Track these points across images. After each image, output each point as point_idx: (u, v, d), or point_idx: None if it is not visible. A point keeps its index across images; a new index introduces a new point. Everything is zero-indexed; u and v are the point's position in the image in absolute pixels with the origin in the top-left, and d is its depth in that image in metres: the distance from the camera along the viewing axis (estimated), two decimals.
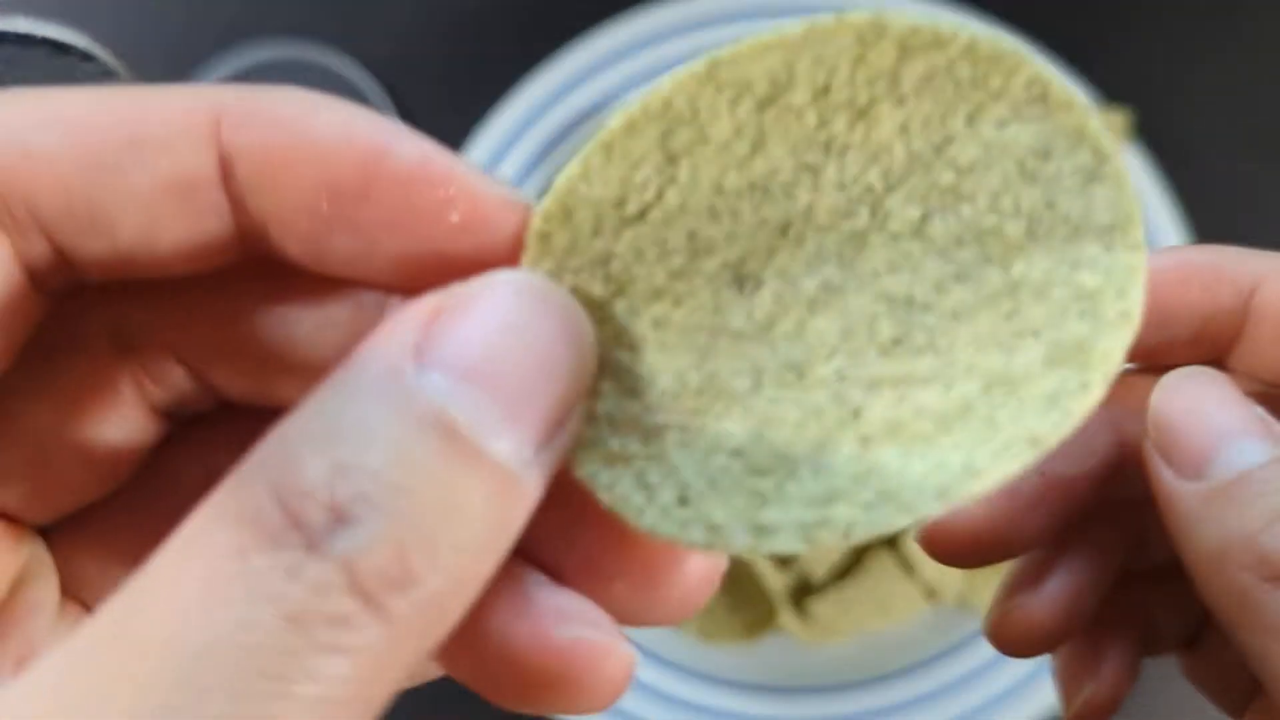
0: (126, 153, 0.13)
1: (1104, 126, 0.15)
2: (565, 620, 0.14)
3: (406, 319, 0.13)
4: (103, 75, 0.29)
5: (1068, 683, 0.23)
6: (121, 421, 0.16)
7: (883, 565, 0.48)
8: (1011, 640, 0.21)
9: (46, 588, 0.15)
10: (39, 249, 0.14)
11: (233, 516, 0.11)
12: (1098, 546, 0.21)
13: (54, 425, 0.15)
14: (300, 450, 0.12)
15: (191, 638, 0.10)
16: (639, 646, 0.48)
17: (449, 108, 0.52)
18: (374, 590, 0.11)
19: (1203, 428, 0.18)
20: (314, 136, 0.14)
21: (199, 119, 0.14)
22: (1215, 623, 0.19)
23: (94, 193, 0.13)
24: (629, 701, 0.46)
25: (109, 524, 0.16)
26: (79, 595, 0.16)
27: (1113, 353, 0.14)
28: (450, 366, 0.12)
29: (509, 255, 0.14)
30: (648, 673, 0.48)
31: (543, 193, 0.15)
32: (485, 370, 0.12)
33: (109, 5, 0.53)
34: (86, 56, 0.29)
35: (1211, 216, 0.50)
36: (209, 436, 0.17)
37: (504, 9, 0.52)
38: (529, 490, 0.13)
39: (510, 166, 0.50)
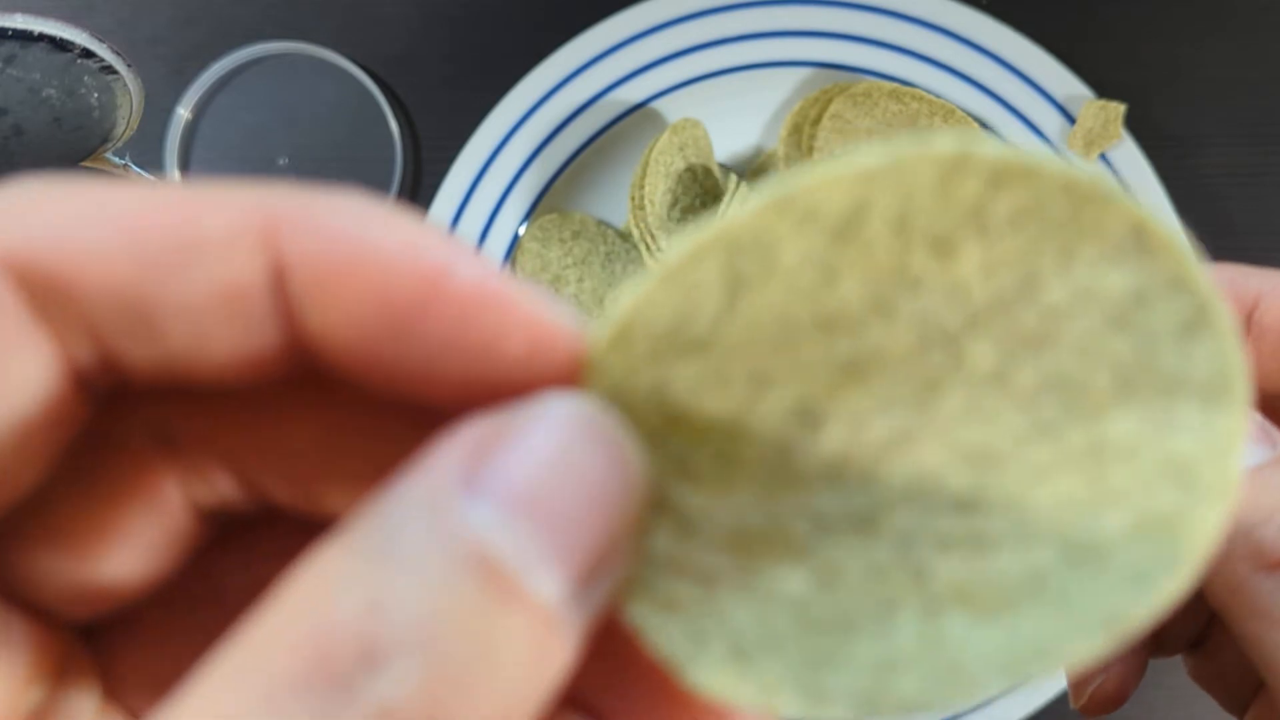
0: (179, 255, 0.13)
1: (1207, 274, 0.13)
2: None
3: (455, 445, 0.12)
4: (102, 70, 0.29)
5: (1077, 676, 0.24)
6: (163, 522, 0.15)
7: None
8: (1098, 710, 0.24)
9: (88, 690, 0.15)
10: (87, 351, 0.13)
11: (263, 656, 0.11)
12: None
13: (94, 525, 0.15)
14: (335, 585, 0.11)
15: None
16: None
17: (449, 108, 0.52)
18: None
19: None
20: (374, 251, 0.13)
21: (254, 223, 0.13)
22: (1219, 621, 0.20)
23: (145, 294, 0.13)
24: None
25: (153, 627, 0.16)
26: (123, 699, 0.15)
27: (1208, 527, 0.13)
28: (498, 498, 0.12)
29: (565, 377, 0.14)
30: None
31: (603, 313, 0.14)
32: (532, 503, 0.12)
33: (109, 2, 0.53)
34: (86, 53, 0.29)
35: (1207, 208, 0.50)
36: (255, 542, 0.16)
37: (504, 8, 0.52)
38: (571, 632, 0.12)
39: (509, 165, 0.50)
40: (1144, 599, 0.12)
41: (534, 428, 0.12)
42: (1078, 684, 0.25)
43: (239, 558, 0.16)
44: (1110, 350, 0.13)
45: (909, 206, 0.13)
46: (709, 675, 0.13)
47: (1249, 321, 0.20)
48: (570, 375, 0.14)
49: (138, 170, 0.33)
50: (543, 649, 0.12)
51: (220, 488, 0.15)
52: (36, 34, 0.28)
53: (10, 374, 0.12)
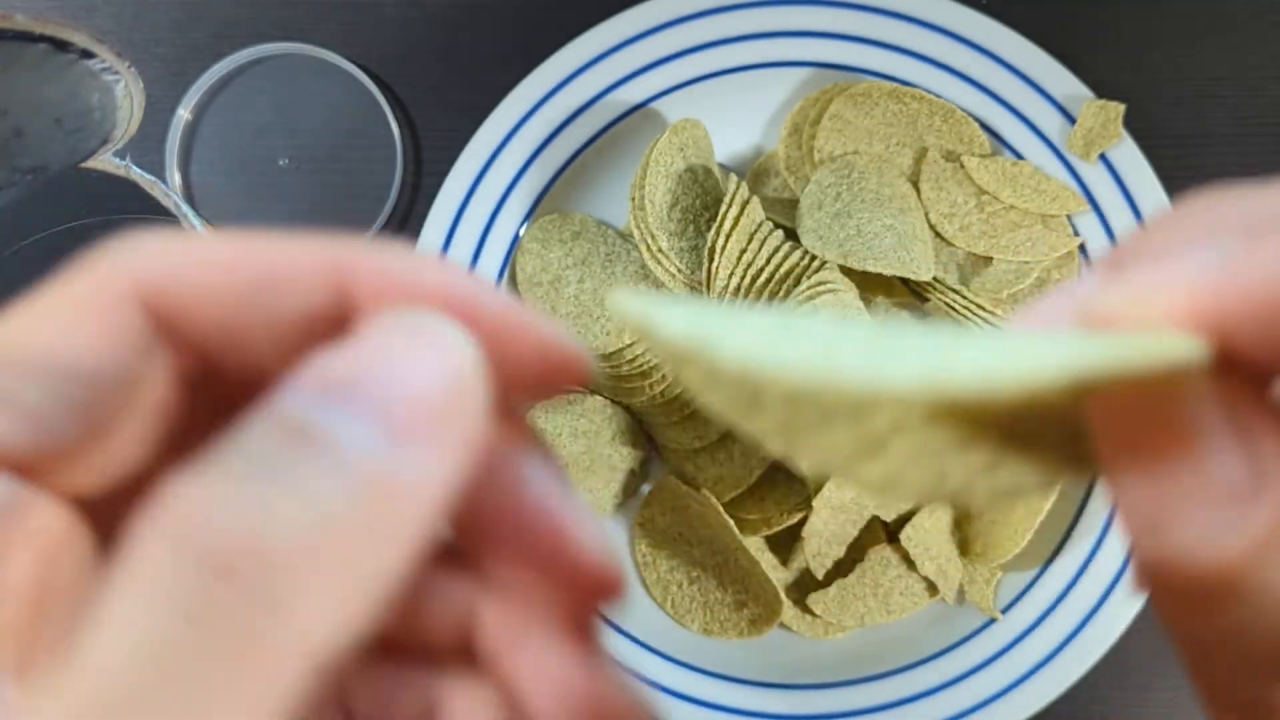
0: (267, 291, 0.16)
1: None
2: None
3: (302, 373, 0.14)
4: (103, 71, 0.29)
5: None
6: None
7: (884, 561, 0.48)
8: None
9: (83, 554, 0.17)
10: (193, 362, 0.16)
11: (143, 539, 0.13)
12: None
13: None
14: (196, 469, 0.13)
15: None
16: (641, 643, 0.48)
17: (449, 108, 0.52)
18: None
19: None
20: (417, 285, 0.16)
21: (325, 264, 0.16)
22: None
23: (242, 321, 0.16)
24: None
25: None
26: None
27: None
28: (341, 400, 0.14)
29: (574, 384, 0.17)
30: (651, 666, 0.48)
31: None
32: (376, 401, 0.14)
33: (109, 3, 0.53)
34: (87, 54, 0.29)
35: None
36: None
37: (504, 9, 0.53)
38: (405, 487, 0.13)
39: (509, 165, 0.50)
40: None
41: (375, 343, 0.14)
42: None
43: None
44: None
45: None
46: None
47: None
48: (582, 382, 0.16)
49: (139, 171, 0.33)
50: (370, 500, 0.13)
51: None
52: (37, 35, 0.28)
53: (131, 378, 0.15)
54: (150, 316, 0.16)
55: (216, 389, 0.17)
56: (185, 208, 0.33)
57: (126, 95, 0.31)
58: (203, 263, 0.16)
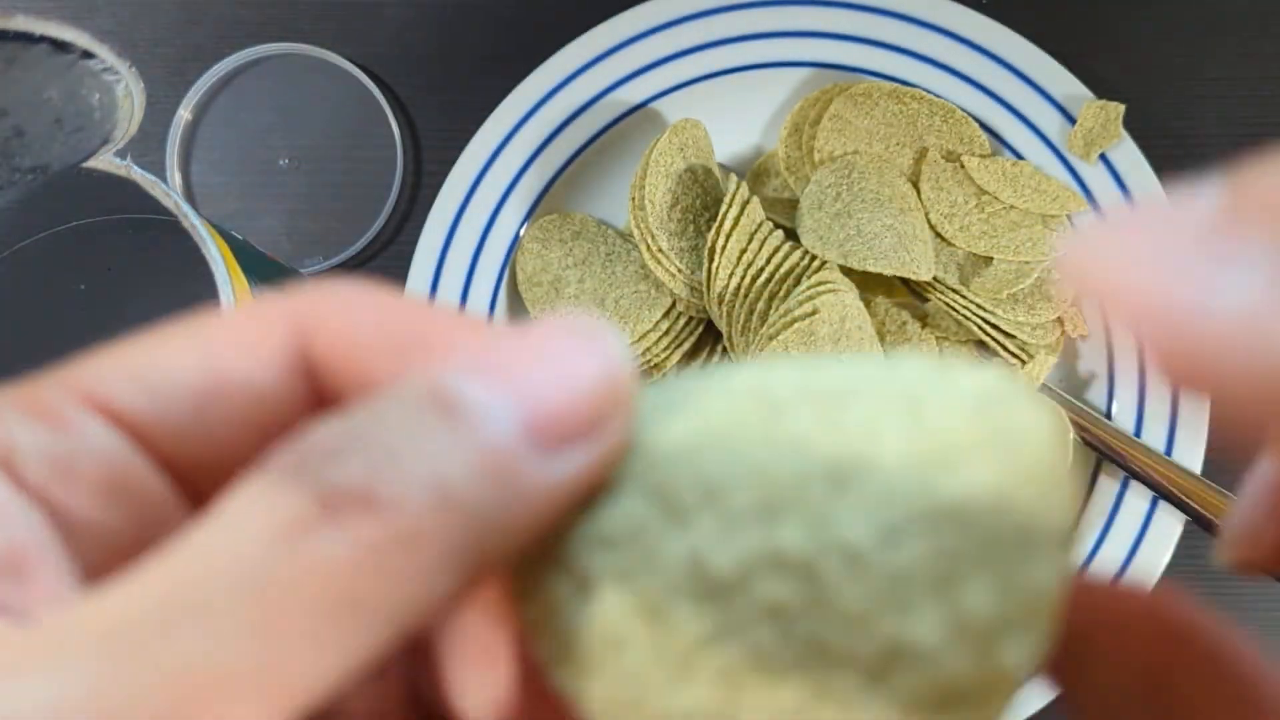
0: (214, 404, 0.15)
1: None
2: None
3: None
4: (103, 72, 0.29)
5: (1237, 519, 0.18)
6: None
7: None
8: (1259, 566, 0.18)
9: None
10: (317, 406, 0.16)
11: (268, 464, 0.13)
12: None
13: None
14: (331, 417, 0.13)
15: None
16: None
17: (449, 108, 0.52)
18: (338, 504, 0.12)
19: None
20: (381, 329, 0.15)
21: (277, 343, 0.15)
22: None
23: (199, 430, 0.15)
24: None
25: None
26: None
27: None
28: (483, 373, 0.13)
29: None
30: None
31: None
32: (497, 365, 0.13)
33: (109, 3, 0.53)
34: (87, 54, 0.29)
35: None
36: None
37: (504, 9, 0.53)
38: (527, 483, 0.13)
39: (510, 165, 0.50)
40: None
41: (525, 330, 0.14)
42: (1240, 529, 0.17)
43: None
44: None
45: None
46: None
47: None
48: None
49: (139, 171, 0.33)
50: (492, 479, 0.13)
51: None
52: (38, 35, 0.28)
53: (257, 393, 0.15)
54: (296, 346, 0.15)
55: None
56: (186, 208, 0.33)
57: (127, 95, 0.31)
58: (364, 311, 0.15)
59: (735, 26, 0.50)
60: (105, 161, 0.33)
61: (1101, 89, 0.49)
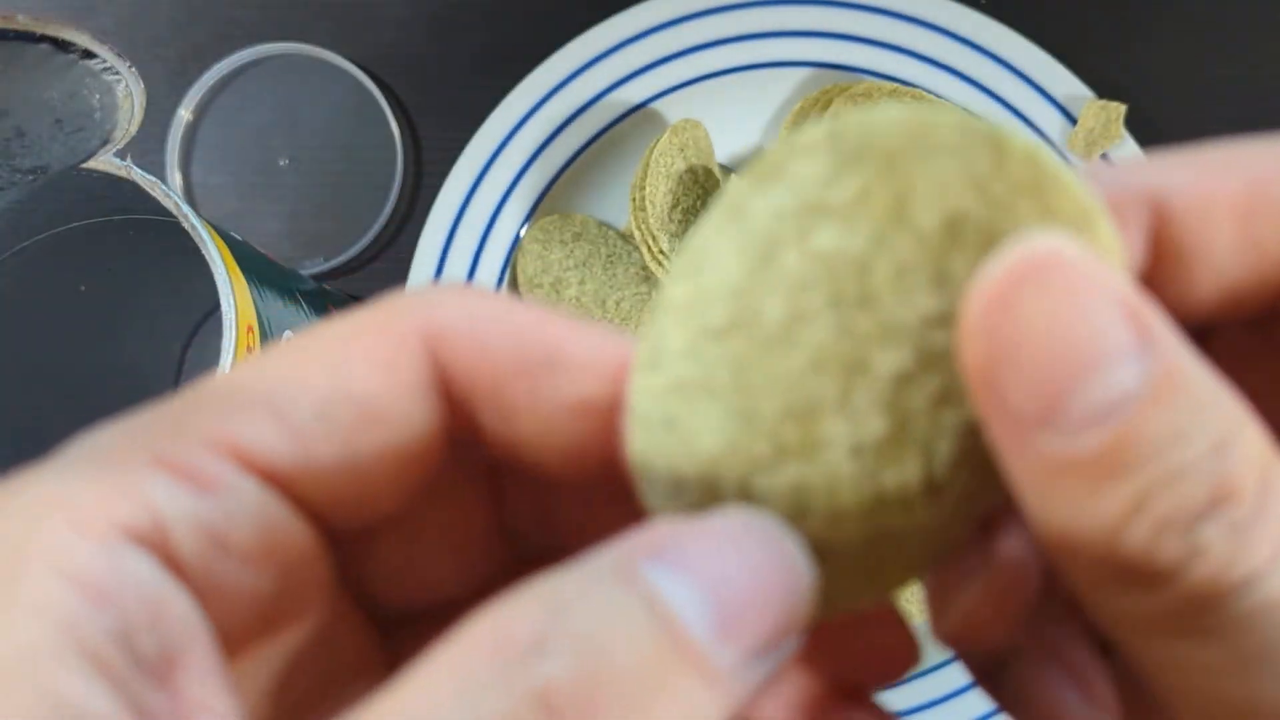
0: (545, 368, 0.15)
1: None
2: None
3: (642, 531, 0.13)
4: (104, 72, 0.29)
5: (937, 591, 0.17)
6: (477, 541, 0.18)
7: None
8: (970, 641, 0.18)
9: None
10: (460, 424, 0.16)
11: (455, 650, 0.12)
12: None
13: (435, 540, 0.17)
14: (520, 599, 0.12)
15: None
16: None
17: (449, 108, 0.52)
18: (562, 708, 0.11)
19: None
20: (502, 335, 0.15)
21: (608, 356, 0.15)
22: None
23: (514, 390, 0.15)
24: None
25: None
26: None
27: None
28: (679, 566, 0.13)
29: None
30: None
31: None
32: (711, 578, 0.13)
33: (109, 2, 0.53)
34: (87, 54, 0.29)
35: None
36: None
37: (504, 9, 0.53)
38: (730, 702, 0.13)
39: (510, 166, 0.50)
40: None
41: (717, 526, 0.13)
42: (939, 602, 0.17)
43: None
44: None
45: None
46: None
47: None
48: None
49: (139, 171, 0.33)
50: (700, 707, 0.12)
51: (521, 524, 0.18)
52: (38, 35, 0.28)
53: (401, 418, 0.15)
54: (432, 363, 0.15)
55: (476, 456, 0.16)
56: (186, 208, 0.33)
57: (127, 95, 0.31)
58: (494, 325, 0.15)
59: (735, 26, 0.50)
60: (105, 161, 0.33)
61: (1102, 89, 0.49)
